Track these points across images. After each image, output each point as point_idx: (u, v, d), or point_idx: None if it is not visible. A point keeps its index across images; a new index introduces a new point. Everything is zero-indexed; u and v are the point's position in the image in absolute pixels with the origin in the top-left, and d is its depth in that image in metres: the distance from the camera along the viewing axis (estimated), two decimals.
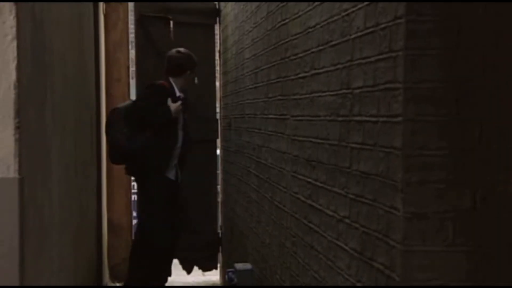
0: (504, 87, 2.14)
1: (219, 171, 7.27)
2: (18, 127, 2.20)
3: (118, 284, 6.86)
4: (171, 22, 6.91)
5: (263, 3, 4.54)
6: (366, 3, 2.51)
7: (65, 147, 3.32)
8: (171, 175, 5.29)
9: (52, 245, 2.92)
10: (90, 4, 5.09)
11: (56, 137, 2.96)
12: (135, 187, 5.89)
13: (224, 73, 6.87)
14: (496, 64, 2.14)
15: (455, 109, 2.15)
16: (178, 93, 5.26)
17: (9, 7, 2.12)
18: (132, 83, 7.07)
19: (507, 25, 2.13)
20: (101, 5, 6.30)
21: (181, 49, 5.46)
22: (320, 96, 3.13)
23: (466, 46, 2.14)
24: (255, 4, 4.86)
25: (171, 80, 5.34)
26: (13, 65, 2.14)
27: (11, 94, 2.16)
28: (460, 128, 2.15)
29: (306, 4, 3.36)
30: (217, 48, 7.22)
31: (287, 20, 3.79)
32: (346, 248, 2.72)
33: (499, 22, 2.14)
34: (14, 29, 2.12)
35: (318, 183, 3.16)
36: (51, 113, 2.77)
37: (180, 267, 7.01)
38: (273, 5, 4.17)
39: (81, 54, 4.22)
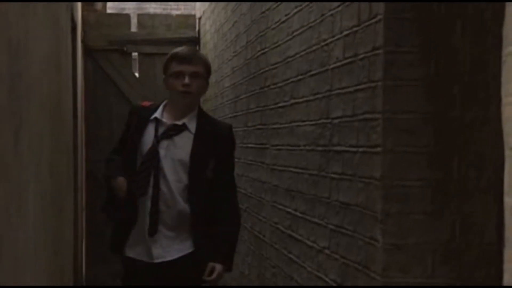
0: (482, 118, 2.15)
1: None
2: None
3: None
4: (134, 55, 6.81)
5: (242, 32, 4.56)
6: (344, 33, 2.52)
7: (40, 176, 3.27)
8: (140, 254, 2.85)
9: (26, 274, 2.86)
10: (69, 31, 5.07)
11: (31, 167, 2.92)
12: None
13: (203, 102, 6.87)
14: (474, 95, 2.15)
15: (433, 140, 2.15)
16: (160, 116, 2.85)
17: None
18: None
19: (485, 57, 2.15)
20: (79, 31, 6.28)
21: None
22: (299, 125, 3.12)
23: (444, 77, 2.15)
24: (234, 33, 4.87)
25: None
26: None
27: None
28: (438, 159, 2.15)
29: (285, 33, 3.37)
30: None
31: (266, 50, 3.79)
32: (326, 279, 2.69)
33: (477, 54, 2.15)
34: None
35: (298, 213, 3.13)
36: (27, 142, 2.74)
37: None
38: (252, 34, 4.18)
39: (58, 82, 4.19)
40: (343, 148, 2.52)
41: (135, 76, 6.87)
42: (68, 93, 5.04)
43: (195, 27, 7.19)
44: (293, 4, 3.22)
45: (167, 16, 7.28)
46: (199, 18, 7.07)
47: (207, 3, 6.56)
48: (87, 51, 6.66)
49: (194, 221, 2.79)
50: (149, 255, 2.81)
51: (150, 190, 2.77)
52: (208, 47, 6.41)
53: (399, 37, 2.15)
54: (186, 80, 2.78)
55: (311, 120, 2.93)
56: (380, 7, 2.18)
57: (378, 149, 2.18)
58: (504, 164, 1.22)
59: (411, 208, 2.15)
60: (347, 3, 2.49)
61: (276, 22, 3.55)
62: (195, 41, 7.15)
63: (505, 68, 1.25)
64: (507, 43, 1.24)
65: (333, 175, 2.63)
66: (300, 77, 3.11)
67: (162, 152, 2.78)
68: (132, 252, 2.85)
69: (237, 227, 2.88)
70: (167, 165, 2.78)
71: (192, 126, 2.83)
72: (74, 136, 5.46)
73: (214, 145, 2.82)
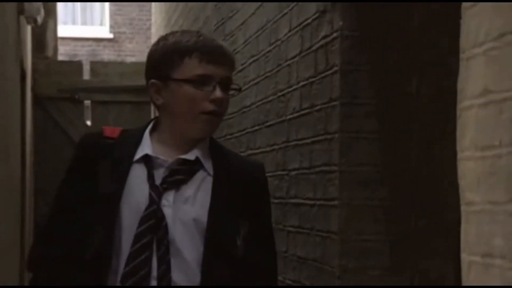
0: (438, 172, 2.13)
1: None
2: None
3: None
4: (87, 103, 6.71)
5: None
6: (301, 84, 2.49)
7: None
8: None
9: None
10: (18, 79, 4.97)
11: None
12: None
13: None
14: (430, 149, 2.14)
15: (390, 193, 2.12)
16: (151, 151, 1.52)
17: None
18: None
19: (442, 111, 2.14)
20: (29, 79, 6.17)
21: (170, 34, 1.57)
22: None
23: (400, 130, 2.14)
24: None
25: (161, 117, 1.58)
26: None
27: None
28: (396, 213, 2.12)
29: (241, 83, 3.34)
30: None
31: None
32: None
33: (434, 107, 2.15)
34: None
35: None
36: None
37: None
38: None
39: (5, 132, 4.08)
40: (300, 200, 2.47)
41: (86, 125, 6.76)
42: (16, 142, 4.90)
43: None
44: (248, 53, 3.20)
45: (121, 63, 7.24)
46: None
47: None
48: (37, 99, 6.52)
49: None
50: None
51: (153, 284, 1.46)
52: None
53: (355, 88, 2.13)
54: (218, 93, 1.52)
55: (268, 172, 2.87)
56: (336, 58, 2.16)
57: (335, 202, 2.14)
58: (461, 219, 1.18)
59: (369, 263, 2.10)
60: (303, 53, 2.47)
61: None
62: None
63: (460, 123, 1.22)
64: (462, 97, 1.22)
65: (290, 228, 2.57)
66: (256, 127, 3.07)
67: (168, 212, 1.50)
68: None
69: None
70: (179, 235, 1.50)
71: (208, 163, 1.56)
72: (22, 187, 5.29)
73: (244, 196, 1.56)
